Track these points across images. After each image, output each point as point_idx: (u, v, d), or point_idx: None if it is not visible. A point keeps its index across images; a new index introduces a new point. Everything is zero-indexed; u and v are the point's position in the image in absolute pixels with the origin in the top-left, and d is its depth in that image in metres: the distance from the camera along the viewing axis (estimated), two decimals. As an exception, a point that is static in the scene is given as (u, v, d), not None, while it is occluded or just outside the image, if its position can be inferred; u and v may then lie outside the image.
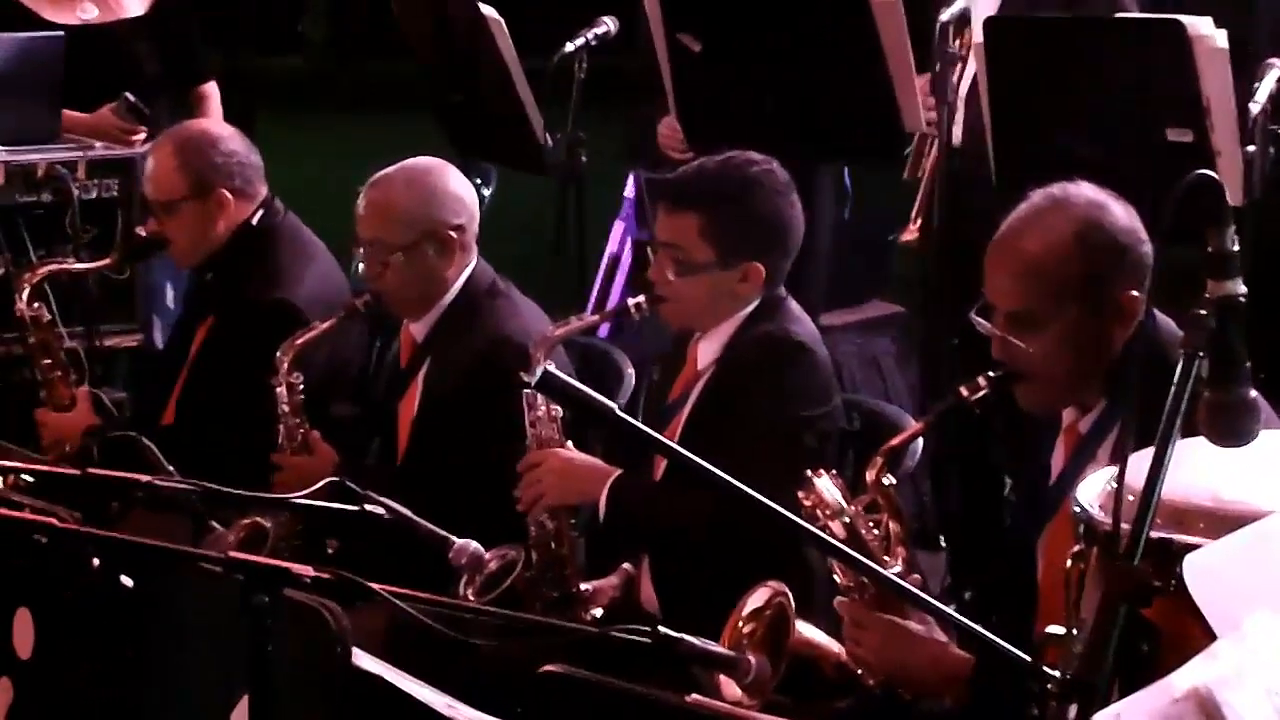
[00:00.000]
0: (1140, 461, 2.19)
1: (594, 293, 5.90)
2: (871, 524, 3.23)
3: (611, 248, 6.02)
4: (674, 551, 3.88)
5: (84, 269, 4.88)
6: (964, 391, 3.20)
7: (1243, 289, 2.18)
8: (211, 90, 6.05)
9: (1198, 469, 2.23)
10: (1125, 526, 2.12)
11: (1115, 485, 2.17)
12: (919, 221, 5.00)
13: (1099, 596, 2.11)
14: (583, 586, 3.96)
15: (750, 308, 3.89)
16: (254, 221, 4.70)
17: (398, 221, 4.25)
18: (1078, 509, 2.29)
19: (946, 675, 3.16)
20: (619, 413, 2.37)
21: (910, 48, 4.79)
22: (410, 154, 4.46)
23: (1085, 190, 3.25)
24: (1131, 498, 2.13)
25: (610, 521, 3.86)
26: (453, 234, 4.26)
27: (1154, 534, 2.10)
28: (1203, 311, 2.16)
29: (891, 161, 5.21)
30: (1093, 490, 2.31)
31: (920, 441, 3.67)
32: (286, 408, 4.30)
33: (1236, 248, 2.21)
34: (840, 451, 3.88)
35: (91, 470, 3.34)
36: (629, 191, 6.32)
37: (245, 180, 4.71)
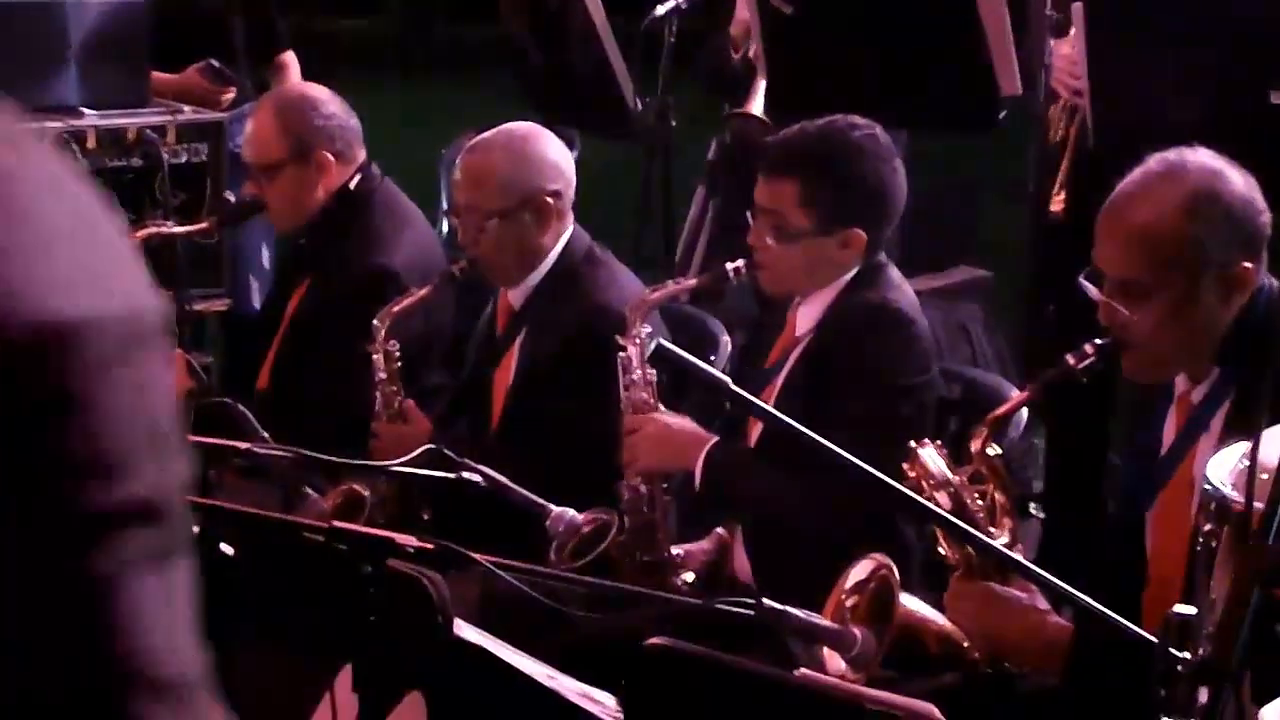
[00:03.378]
0: (1273, 438, 2.14)
1: (678, 258, 5.85)
2: (976, 495, 3.18)
3: (695, 212, 5.97)
4: (770, 521, 3.84)
5: (181, 232, 4.87)
6: (1071, 360, 3.14)
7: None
8: (291, 59, 6.06)
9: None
10: (1258, 506, 2.06)
11: (1248, 463, 2.11)
12: (1064, 193, 4.91)
13: (1231, 578, 2.05)
14: (674, 551, 3.93)
15: (850, 274, 3.84)
16: (352, 186, 4.68)
17: (495, 187, 4.22)
18: (1209, 487, 2.23)
19: (1047, 644, 3.12)
20: (732, 386, 2.34)
21: (1008, 11, 4.73)
22: (488, 120, 4.43)
23: (1202, 157, 3.18)
24: (1265, 476, 2.08)
25: (705, 489, 3.83)
26: (550, 200, 4.23)
27: (1289, 512, 2.05)
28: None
29: (987, 129, 5.14)
30: (1224, 468, 2.25)
31: (1025, 411, 3.62)
32: (383, 375, 4.28)
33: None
34: (940, 421, 3.84)
35: (190, 437, 3.35)
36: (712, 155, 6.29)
37: (345, 144, 4.68)
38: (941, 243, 6.83)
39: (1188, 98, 4.37)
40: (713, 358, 4.30)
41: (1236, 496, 2.16)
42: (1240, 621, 2.02)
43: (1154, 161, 3.20)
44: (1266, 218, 3.11)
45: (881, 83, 4.86)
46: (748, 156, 5.49)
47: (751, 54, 5.31)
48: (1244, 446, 2.20)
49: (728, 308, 4.99)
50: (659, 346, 2.42)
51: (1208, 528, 2.22)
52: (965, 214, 7.08)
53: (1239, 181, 3.14)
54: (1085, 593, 2.80)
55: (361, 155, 4.71)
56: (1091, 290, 3.17)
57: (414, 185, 4.99)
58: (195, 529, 2.87)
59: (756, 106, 5.44)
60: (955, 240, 6.92)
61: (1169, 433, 3.22)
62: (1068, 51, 4.80)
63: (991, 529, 3.16)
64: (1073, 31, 4.72)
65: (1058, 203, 4.90)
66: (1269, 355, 2.13)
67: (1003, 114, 4.97)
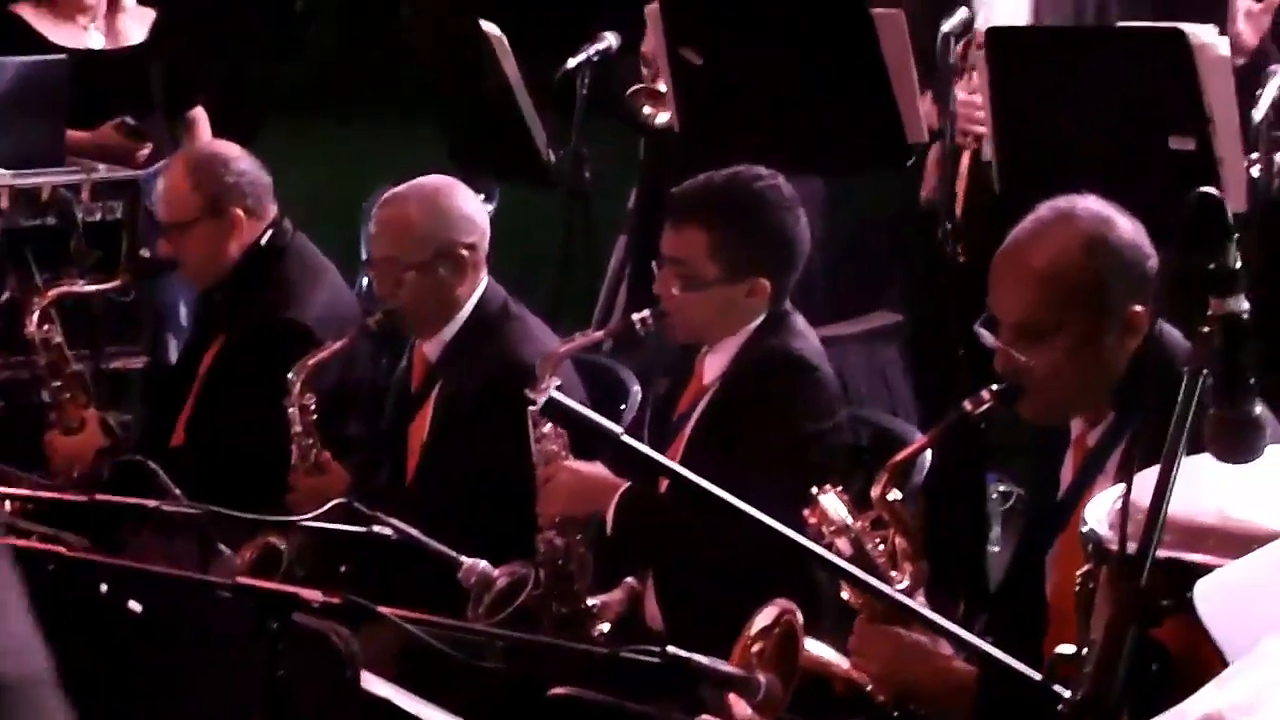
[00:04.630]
0: (1147, 479, 2.19)
1: (598, 307, 5.90)
2: (878, 540, 3.23)
3: (616, 262, 6.01)
4: (680, 567, 3.88)
5: (93, 291, 4.88)
6: (968, 406, 3.19)
7: (1246, 306, 2.18)
8: (201, 115, 6.10)
9: (1205, 487, 2.23)
10: (1133, 546, 2.11)
11: (1122, 504, 2.16)
12: (955, 231, 4.97)
13: (1108, 616, 2.10)
14: (590, 602, 3.96)
15: (756, 322, 3.90)
16: (263, 242, 4.71)
17: (411, 239, 4.27)
18: (1085, 528, 2.28)
19: (952, 689, 3.16)
20: (624, 437, 2.38)
21: (914, 60, 4.79)
22: (417, 160, 4.47)
23: (1091, 204, 3.25)
24: (1139, 516, 2.13)
25: (618, 534, 3.86)
26: (465, 253, 4.28)
27: (1162, 553, 2.10)
28: (1207, 329, 2.16)
29: (896, 173, 5.21)
30: (1100, 509, 2.30)
31: (928, 455, 3.67)
32: (299, 428, 4.32)
33: (1239, 265, 2.20)
34: (849, 467, 3.89)
35: (99, 495, 3.36)
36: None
37: (256, 200, 4.72)
38: (864, 287, 6.88)
39: (1090, 142, 4.44)
40: (623, 407, 4.35)
41: (1112, 536, 2.21)
42: (1116, 661, 2.06)
43: (1045, 209, 3.27)
44: (1154, 262, 3.18)
45: (791, 129, 4.91)
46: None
47: (661, 89, 5.35)
48: (1121, 488, 2.25)
49: (662, 351, 5.03)
50: (550, 400, 2.45)
51: (1087, 568, 2.27)
52: (885, 258, 7.14)
53: (1128, 227, 3.21)
54: (991, 635, 2.84)
55: (273, 211, 4.75)
56: (987, 337, 3.23)
57: (343, 228, 5.03)
58: (103, 587, 2.91)
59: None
60: (875, 284, 6.97)
61: (1066, 475, 3.27)
62: (965, 97, 4.87)
63: (893, 573, 3.20)
64: (973, 76, 4.80)
65: (956, 248, 4.96)
66: (1161, 399, 2.18)
67: (912, 159, 5.03)
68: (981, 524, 5.50)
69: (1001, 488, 5.76)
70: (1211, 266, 2.21)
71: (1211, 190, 2.22)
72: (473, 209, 4.33)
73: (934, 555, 4.90)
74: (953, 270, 4.93)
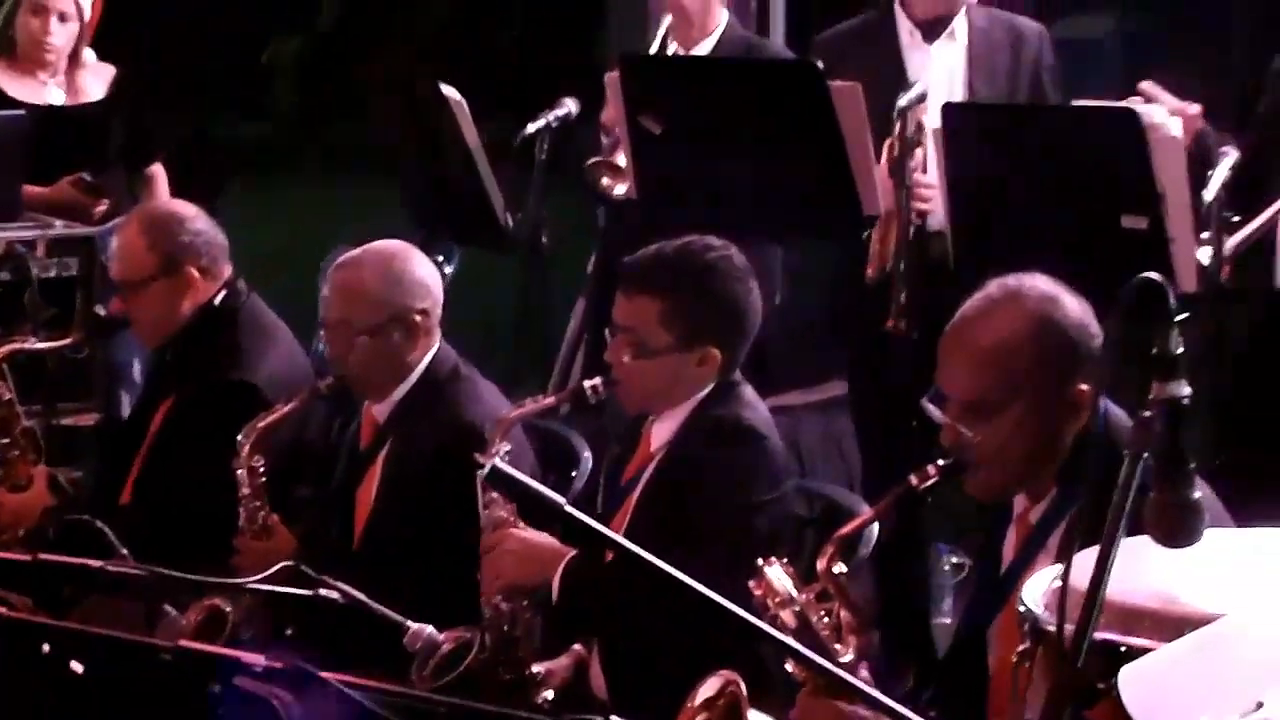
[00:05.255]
0: (1086, 560, 2.20)
1: (555, 372, 5.91)
2: (823, 613, 3.23)
3: (574, 327, 6.04)
4: (626, 636, 3.87)
5: (45, 348, 4.87)
6: (914, 480, 3.21)
7: (1187, 390, 2.20)
8: (160, 171, 6.10)
9: (1143, 569, 2.25)
10: (1070, 627, 2.13)
11: (1060, 584, 2.18)
12: (899, 308, 5.00)
13: (1044, 696, 2.11)
14: (535, 669, 3.95)
15: (705, 391, 3.91)
16: (217, 302, 4.71)
17: (364, 304, 4.27)
18: (1023, 608, 2.30)
19: None
20: (567, 508, 2.38)
21: (870, 133, 4.83)
22: (377, 221, 4.48)
23: (1039, 283, 3.28)
24: (1077, 597, 2.14)
25: (564, 602, 3.86)
26: (418, 318, 4.29)
27: (1098, 635, 2.11)
28: (1148, 413, 2.18)
29: (852, 244, 5.23)
30: (1038, 588, 2.32)
31: (875, 528, 3.68)
32: (247, 490, 4.31)
33: (1181, 350, 2.23)
34: (798, 538, 3.90)
35: (42, 556, 3.35)
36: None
37: (211, 260, 4.73)
38: (820, 356, 6.92)
39: (1042, 220, 4.48)
40: (574, 474, 4.35)
41: (1049, 617, 2.22)
42: (1052, 741, 2.07)
43: (994, 286, 3.30)
44: (1099, 341, 3.19)
45: (749, 198, 4.94)
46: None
47: (620, 162, 5.39)
48: (1059, 568, 2.27)
49: (619, 417, 5.04)
50: (494, 469, 2.46)
51: (1024, 647, 2.29)
52: (841, 328, 7.16)
53: (1075, 306, 3.24)
54: (930, 705, 2.85)
55: (227, 271, 4.75)
56: (934, 412, 3.25)
57: (305, 287, 5.03)
58: (45, 647, 2.90)
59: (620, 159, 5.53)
60: (831, 354, 7.00)
61: (1009, 551, 3.29)
62: (919, 177, 4.91)
63: (837, 646, 3.20)
64: (924, 154, 4.84)
65: (895, 321, 4.99)
66: (1103, 478, 2.20)
67: (867, 231, 5.06)
68: (930, 595, 5.52)
69: (954, 559, 5.77)
70: (1153, 351, 2.23)
71: (1154, 276, 2.24)
72: (427, 274, 4.34)
73: (885, 625, 4.95)
74: (903, 343, 4.96)
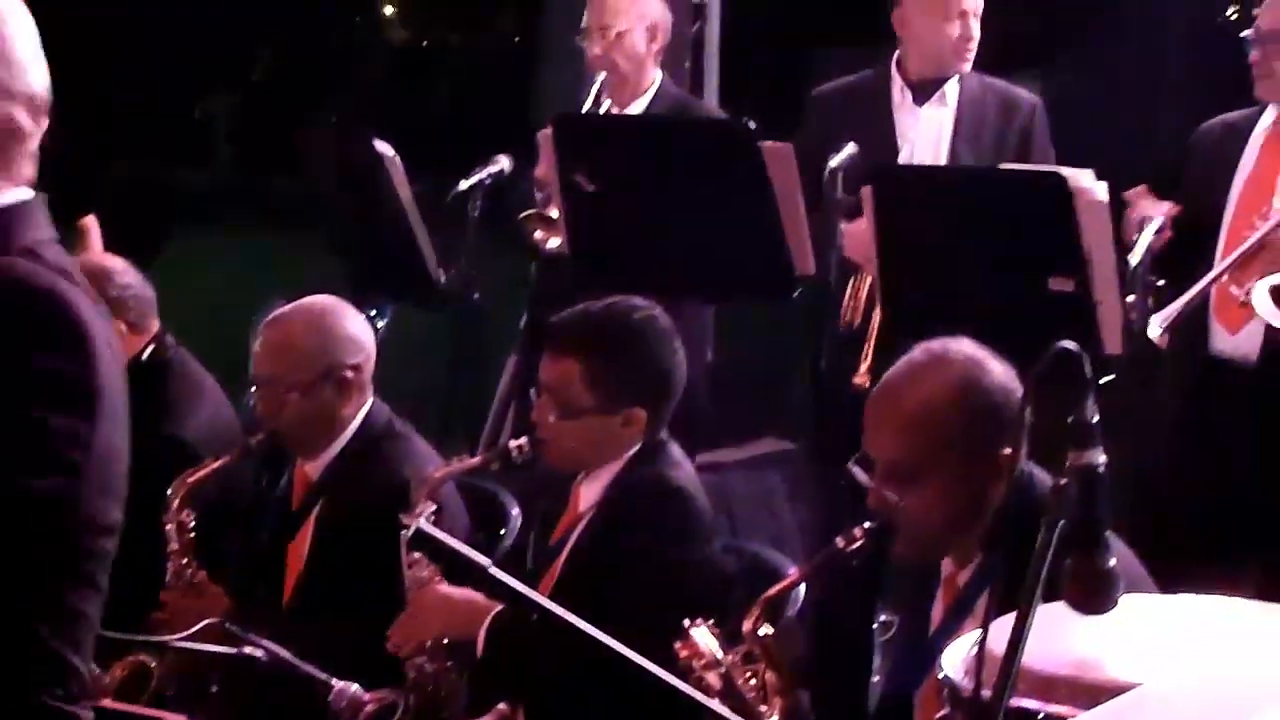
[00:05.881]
0: (1005, 626, 2.22)
1: (487, 429, 5.91)
2: (749, 674, 3.24)
3: (505, 384, 6.04)
4: (552, 694, 3.87)
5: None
6: (840, 543, 3.22)
7: (1102, 459, 2.22)
8: (93, 224, 6.07)
9: (1064, 636, 2.26)
10: (987, 693, 2.14)
11: (977, 650, 2.19)
12: (868, 365, 5.04)
13: (961, 763, 2.12)
14: (460, 729, 3.94)
15: (632, 451, 3.93)
16: (144, 357, 4.70)
17: (295, 360, 4.26)
18: (941, 674, 2.31)
19: None
20: (491, 569, 2.39)
21: (801, 193, 4.86)
22: (313, 276, 4.47)
23: (965, 347, 3.30)
24: (995, 663, 2.15)
25: (489, 660, 3.85)
26: (350, 374, 4.28)
27: (1015, 702, 2.12)
28: (1064, 480, 2.20)
29: (783, 303, 5.26)
30: (957, 654, 2.33)
31: (803, 589, 3.69)
32: (175, 546, 4.28)
33: (1097, 418, 2.25)
34: (726, 598, 3.90)
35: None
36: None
37: (139, 314, 4.71)
38: (751, 413, 6.95)
39: (971, 283, 4.51)
40: (503, 531, 4.35)
41: (967, 684, 2.24)
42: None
43: (919, 351, 3.32)
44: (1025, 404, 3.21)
45: (681, 257, 4.96)
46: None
47: (554, 215, 5.40)
48: (978, 633, 2.28)
49: (547, 475, 5.04)
50: (417, 531, 2.46)
51: (944, 713, 2.30)
52: (772, 386, 7.21)
53: (1000, 370, 3.26)
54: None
55: (155, 326, 4.74)
56: (861, 475, 3.26)
57: (241, 344, 5.00)
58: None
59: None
60: (762, 411, 7.04)
61: (937, 613, 3.31)
62: (863, 229, 4.94)
63: (762, 708, 3.21)
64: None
65: (861, 376, 5.02)
66: (1028, 544, 2.22)
67: (798, 290, 5.09)
68: (870, 655, 5.51)
69: (883, 617, 5.77)
70: (1070, 419, 2.25)
71: (1070, 345, 2.27)
72: (358, 329, 4.33)
73: (820, 685, 4.95)
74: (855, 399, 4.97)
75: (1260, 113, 5.07)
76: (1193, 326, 4.90)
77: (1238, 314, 4.91)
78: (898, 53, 5.57)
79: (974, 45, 5.48)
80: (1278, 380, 4.88)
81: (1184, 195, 4.84)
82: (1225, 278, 4.83)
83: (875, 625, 5.65)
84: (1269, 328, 4.81)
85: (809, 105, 5.63)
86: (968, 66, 5.50)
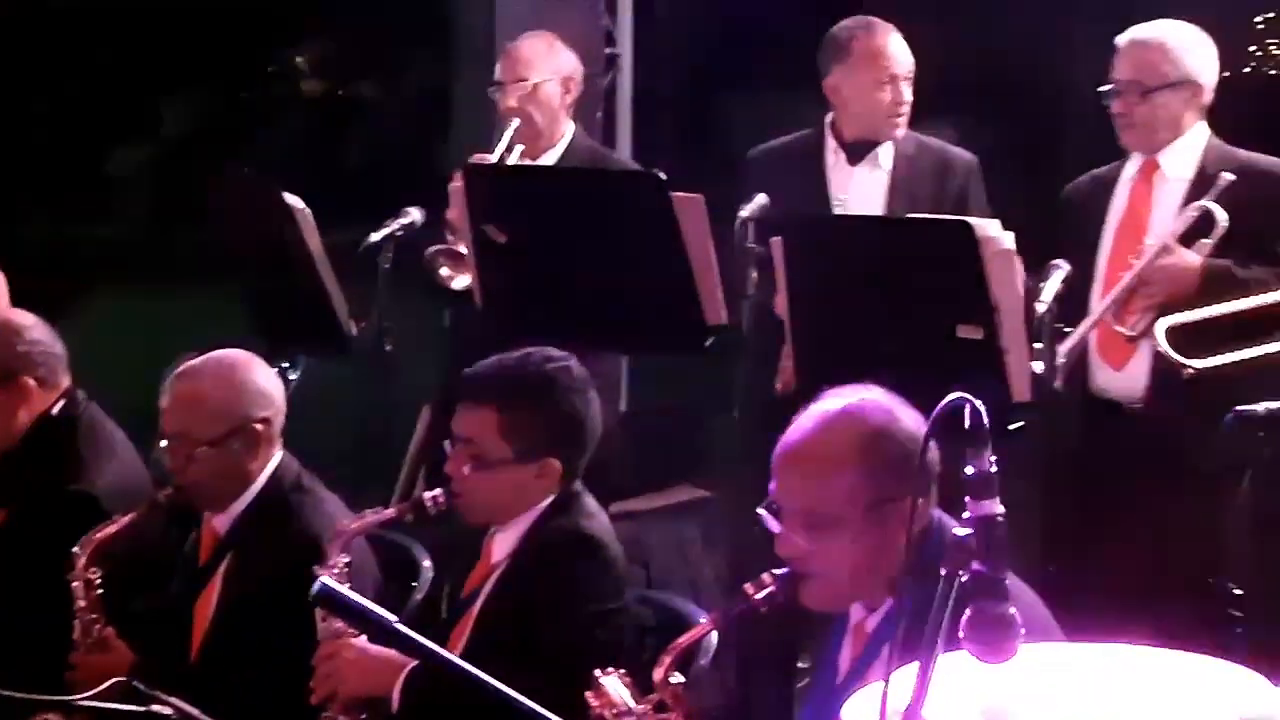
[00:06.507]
0: (907, 676, 2.23)
1: (401, 481, 5.90)
2: (661, 723, 3.24)
3: (419, 436, 6.03)
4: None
5: None
6: (750, 590, 3.23)
7: (1000, 509, 2.25)
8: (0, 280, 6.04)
9: (961, 685, 2.28)
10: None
11: (880, 701, 2.21)
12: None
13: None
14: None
15: (546, 502, 3.93)
16: (54, 412, 4.67)
17: (204, 414, 4.25)
18: (843, 724, 2.32)
19: None
20: (395, 624, 2.39)
21: (712, 242, 4.88)
22: (222, 329, 4.45)
23: (874, 396, 3.31)
24: (896, 716, 2.17)
25: (404, 714, 3.83)
26: (259, 427, 4.27)
27: (917, 751, 2.14)
28: (963, 532, 2.22)
29: (696, 353, 5.27)
30: (859, 706, 2.35)
31: (714, 637, 3.70)
32: (83, 603, 4.25)
33: (995, 469, 2.27)
34: (640, 647, 3.90)
35: None
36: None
37: (49, 370, 4.69)
38: (667, 461, 6.97)
39: (881, 331, 4.54)
40: (415, 584, 4.34)
41: (870, 734, 2.25)
42: None
43: (828, 399, 3.33)
44: (935, 454, 3.23)
45: (593, 309, 4.98)
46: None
47: (462, 250, 5.41)
48: (880, 685, 2.29)
49: (462, 527, 5.03)
50: (321, 588, 2.46)
51: (848, 764, 2.31)
52: (688, 434, 7.23)
53: (908, 419, 3.27)
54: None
55: (65, 381, 4.72)
56: (770, 522, 3.28)
57: (151, 399, 4.98)
58: None
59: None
60: (679, 459, 7.06)
61: (844, 661, 3.32)
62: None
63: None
64: None
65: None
66: (931, 592, 2.24)
67: (710, 340, 5.11)
68: (788, 703, 5.52)
69: (802, 664, 5.78)
70: (969, 470, 2.27)
71: (967, 396, 2.29)
72: (268, 382, 4.33)
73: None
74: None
75: (1125, 162, 5.19)
76: (1076, 367, 4.97)
77: (1123, 350, 5.02)
78: (832, 114, 5.61)
79: (905, 109, 5.54)
80: (1163, 417, 4.96)
81: (1059, 247, 4.90)
82: (1109, 317, 4.94)
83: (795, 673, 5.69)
84: (1154, 365, 4.92)
85: (744, 167, 5.67)
86: (900, 132, 5.55)
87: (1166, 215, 5.06)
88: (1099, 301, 5.00)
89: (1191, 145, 5.11)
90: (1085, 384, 5.10)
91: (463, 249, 5.35)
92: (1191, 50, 5.12)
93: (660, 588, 5.82)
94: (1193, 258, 4.91)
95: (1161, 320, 4.69)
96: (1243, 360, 4.66)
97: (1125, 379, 5.07)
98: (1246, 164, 5.04)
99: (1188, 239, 4.96)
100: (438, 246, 5.52)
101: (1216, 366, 4.65)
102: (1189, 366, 4.61)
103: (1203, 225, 4.95)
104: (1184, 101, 5.09)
